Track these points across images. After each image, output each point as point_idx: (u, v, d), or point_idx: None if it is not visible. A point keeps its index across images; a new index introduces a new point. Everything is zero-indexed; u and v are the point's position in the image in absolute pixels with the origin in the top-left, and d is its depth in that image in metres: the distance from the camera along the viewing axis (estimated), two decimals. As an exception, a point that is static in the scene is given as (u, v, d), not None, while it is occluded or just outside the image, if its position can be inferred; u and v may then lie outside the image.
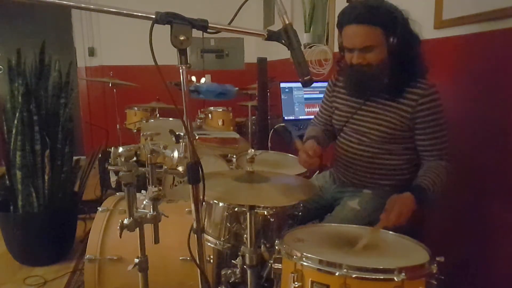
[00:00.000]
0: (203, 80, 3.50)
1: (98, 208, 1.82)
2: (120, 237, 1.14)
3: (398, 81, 1.49)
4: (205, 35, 1.02)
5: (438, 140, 1.51)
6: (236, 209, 1.44)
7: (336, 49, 2.95)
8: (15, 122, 2.36)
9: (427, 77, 1.52)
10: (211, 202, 1.49)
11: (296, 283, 1.04)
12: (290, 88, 2.84)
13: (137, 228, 1.22)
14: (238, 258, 1.35)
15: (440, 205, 1.79)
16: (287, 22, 0.99)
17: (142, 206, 1.26)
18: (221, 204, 1.47)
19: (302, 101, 2.85)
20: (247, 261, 1.24)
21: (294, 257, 1.07)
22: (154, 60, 0.86)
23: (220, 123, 3.40)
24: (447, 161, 1.52)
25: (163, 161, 1.26)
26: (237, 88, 2.77)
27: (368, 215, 1.52)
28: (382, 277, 0.99)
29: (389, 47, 1.44)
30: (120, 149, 1.17)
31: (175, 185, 2.37)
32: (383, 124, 1.55)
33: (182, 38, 0.88)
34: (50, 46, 2.57)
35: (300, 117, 2.81)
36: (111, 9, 0.89)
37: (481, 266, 1.69)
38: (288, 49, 1.00)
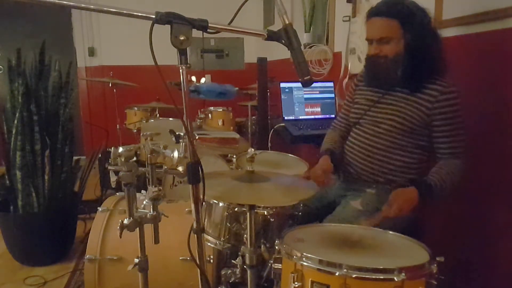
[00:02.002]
0: (203, 80, 3.50)
1: (98, 208, 1.82)
2: (120, 237, 1.14)
3: (416, 76, 1.53)
4: (205, 35, 1.02)
5: (454, 138, 1.54)
6: (236, 209, 1.44)
7: (336, 49, 2.96)
8: (15, 122, 2.36)
9: (447, 76, 1.54)
10: (211, 202, 1.49)
11: (296, 283, 1.04)
12: (290, 88, 2.84)
13: (137, 228, 1.22)
14: (238, 258, 1.35)
15: (440, 205, 1.79)
16: (287, 22, 0.99)
17: (142, 206, 1.26)
18: (221, 204, 1.47)
19: (302, 101, 2.84)
20: (247, 261, 1.24)
21: (294, 257, 1.07)
22: (154, 60, 0.86)
23: (220, 123, 3.39)
24: (462, 159, 1.55)
25: (163, 161, 1.26)
26: (237, 88, 2.76)
27: (370, 216, 1.52)
28: (382, 277, 0.99)
29: (406, 41, 1.50)
30: (120, 149, 1.17)
31: (175, 185, 2.37)
32: (400, 116, 1.57)
33: (182, 38, 0.88)
34: (50, 46, 2.57)
35: (300, 117, 2.81)
36: (111, 9, 0.89)
37: (481, 266, 1.69)
38: (288, 49, 1.00)
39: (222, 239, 1.47)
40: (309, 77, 1.01)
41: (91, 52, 4.83)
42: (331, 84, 2.87)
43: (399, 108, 1.58)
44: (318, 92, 2.87)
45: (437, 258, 1.06)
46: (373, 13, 1.55)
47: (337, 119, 1.92)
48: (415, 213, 1.44)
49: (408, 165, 1.60)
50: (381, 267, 1.00)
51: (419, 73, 1.53)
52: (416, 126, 1.55)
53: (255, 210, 1.25)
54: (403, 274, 0.97)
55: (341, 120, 1.89)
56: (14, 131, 2.37)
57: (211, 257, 1.63)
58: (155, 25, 0.87)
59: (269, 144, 2.63)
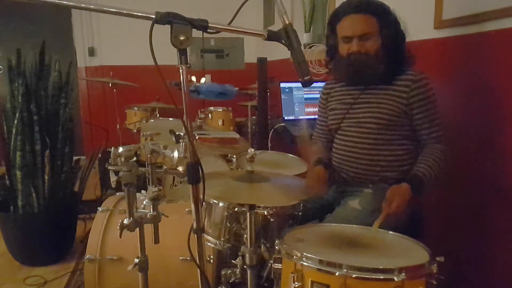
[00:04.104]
0: (203, 80, 3.50)
1: (98, 208, 1.82)
2: (120, 237, 1.14)
3: (390, 70, 1.58)
4: (205, 35, 1.02)
5: (433, 122, 1.58)
6: (236, 209, 1.43)
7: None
8: (15, 122, 2.36)
9: (414, 68, 1.60)
10: (211, 202, 1.49)
11: (296, 283, 1.04)
12: (290, 88, 2.84)
13: (137, 228, 1.22)
14: (238, 258, 1.35)
15: (440, 204, 1.79)
16: (287, 22, 0.99)
17: (142, 206, 1.26)
18: (221, 204, 1.47)
19: (302, 101, 2.85)
20: (247, 261, 1.24)
21: (294, 257, 1.07)
22: (154, 60, 0.86)
23: (220, 123, 3.39)
24: (444, 143, 1.59)
25: (163, 161, 1.26)
26: (237, 88, 2.76)
27: (368, 215, 1.52)
28: (382, 277, 0.99)
29: (383, 36, 1.56)
30: (120, 149, 1.17)
31: (175, 185, 2.37)
32: (379, 112, 1.59)
33: (182, 38, 0.88)
34: (50, 46, 2.57)
35: (300, 117, 2.81)
36: (111, 9, 0.89)
37: (481, 266, 1.69)
38: (288, 49, 1.00)
39: (222, 239, 1.47)
40: (309, 77, 1.01)
41: (91, 52, 4.83)
42: (331, 84, 2.87)
43: (378, 104, 1.60)
44: (318, 92, 2.84)
45: (437, 258, 1.06)
46: (351, 9, 1.57)
47: (315, 132, 1.89)
48: (412, 208, 1.46)
49: (399, 158, 1.61)
50: (381, 267, 1.00)
51: (393, 68, 1.58)
52: (397, 118, 1.58)
53: (255, 210, 1.25)
54: (403, 274, 0.97)
55: (319, 131, 1.86)
56: (14, 131, 2.37)
57: (211, 257, 1.63)
58: (155, 25, 0.87)
59: (269, 144, 2.63)
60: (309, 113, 2.84)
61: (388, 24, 1.56)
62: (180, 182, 2.36)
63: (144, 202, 1.29)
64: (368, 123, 1.61)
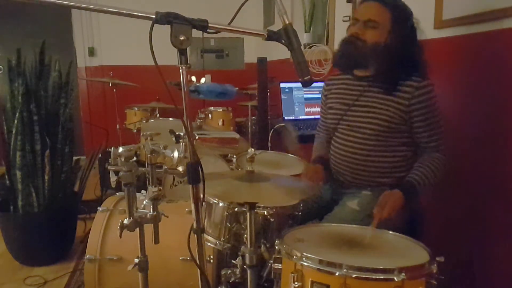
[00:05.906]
0: (203, 80, 3.50)
1: (98, 208, 1.82)
2: (120, 237, 1.14)
3: (390, 76, 1.54)
4: (205, 35, 1.02)
5: (434, 131, 1.55)
6: (236, 209, 1.43)
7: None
8: (15, 122, 2.36)
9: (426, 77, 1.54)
10: (211, 202, 1.49)
11: (296, 283, 1.04)
12: (290, 88, 2.84)
13: (137, 228, 1.22)
14: (238, 258, 1.35)
15: (440, 204, 1.79)
16: (287, 22, 0.99)
17: (142, 206, 1.26)
18: (221, 204, 1.47)
19: (302, 101, 2.85)
20: (247, 261, 1.24)
21: (294, 257, 1.07)
22: (154, 60, 0.86)
23: (220, 123, 3.39)
24: (443, 152, 1.57)
25: (163, 161, 1.26)
26: (237, 88, 2.76)
27: (367, 216, 1.52)
28: (382, 277, 0.99)
29: (390, 36, 1.51)
30: (120, 149, 1.17)
31: (175, 185, 2.37)
32: (377, 118, 1.56)
33: (182, 38, 0.88)
34: (50, 46, 2.57)
35: (300, 117, 2.81)
36: (111, 9, 0.89)
37: (481, 266, 1.69)
38: (288, 49, 1.00)
39: (222, 239, 1.47)
40: (309, 77, 1.00)
41: (91, 52, 4.83)
42: (331, 84, 2.87)
43: (376, 110, 1.57)
44: (318, 92, 2.87)
45: (437, 258, 1.06)
46: None
47: (318, 127, 1.92)
48: (405, 212, 1.47)
49: (396, 164, 1.60)
50: (381, 267, 1.00)
51: (394, 74, 1.53)
52: (396, 124, 1.55)
53: (255, 210, 1.25)
54: (403, 274, 0.97)
55: (321, 126, 1.88)
56: (14, 131, 2.37)
57: (211, 257, 1.63)
58: (155, 25, 0.87)
59: (269, 144, 2.63)
60: (309, 113, 2.84)
61: (401, 26, 1.51)
62: (180, 182, 2.36)
63: (144, 202, 1.29)
64: (365, 128, 1.59)
